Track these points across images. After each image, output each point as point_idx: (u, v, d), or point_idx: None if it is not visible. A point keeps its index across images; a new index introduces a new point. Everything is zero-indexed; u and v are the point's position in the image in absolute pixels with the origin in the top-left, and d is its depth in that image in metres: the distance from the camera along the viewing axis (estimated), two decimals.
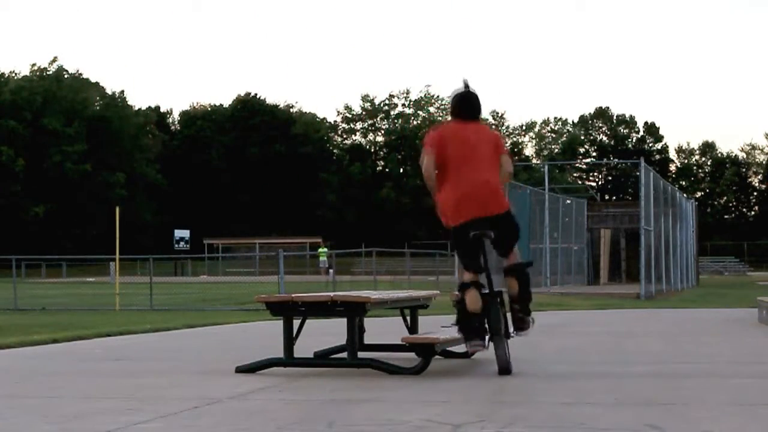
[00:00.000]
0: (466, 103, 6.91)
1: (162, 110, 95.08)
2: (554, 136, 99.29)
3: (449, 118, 7.03)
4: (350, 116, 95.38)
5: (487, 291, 6.64)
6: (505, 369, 6.57)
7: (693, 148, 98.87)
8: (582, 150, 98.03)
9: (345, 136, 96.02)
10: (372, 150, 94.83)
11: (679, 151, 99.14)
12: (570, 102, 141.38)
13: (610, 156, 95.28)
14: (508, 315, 6.89)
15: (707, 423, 4.56)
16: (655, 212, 27.74)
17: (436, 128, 7.01)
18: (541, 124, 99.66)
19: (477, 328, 6.62)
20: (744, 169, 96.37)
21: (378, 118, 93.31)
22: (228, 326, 13.45)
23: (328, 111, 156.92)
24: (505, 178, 6.94)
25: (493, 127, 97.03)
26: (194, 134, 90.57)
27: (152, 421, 4.70)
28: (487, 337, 6.64)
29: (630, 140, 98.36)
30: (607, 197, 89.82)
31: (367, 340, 7.94)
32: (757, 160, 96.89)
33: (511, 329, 6.87)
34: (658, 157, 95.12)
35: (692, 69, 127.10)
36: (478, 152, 6.70)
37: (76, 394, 5.90)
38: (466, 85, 6.92)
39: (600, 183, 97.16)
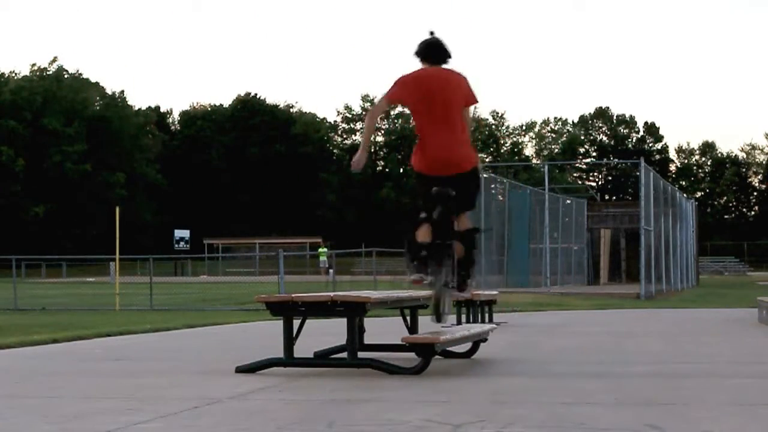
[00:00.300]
0: (437, 46, 6.79)
1: (162, 110, 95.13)
2: (554, 136, 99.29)
3: (419, 61, 6.83)
4: (350, 116, 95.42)
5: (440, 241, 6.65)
6: (438, 294, 6.66)
7: (693, 148, 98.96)
8: (582, 150, 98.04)
9: (345, 136, 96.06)
10: (372, 150, 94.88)
11: (679, 151, 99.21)
12: (570, 102, 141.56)
13: (610, 156, 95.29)
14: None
15: (707, 423, 4.56)
16: (655, 212, 27.74)
17: (411, 73, 6.76)
18: (541, 124, 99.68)
19: (421, 260, 6.61)
20: (744, 169, 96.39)
21: (378, 118, 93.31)
22: (228, 326, 13.46)
23: (328, 111, 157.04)
24: (467, 132, 6.87)
25: (493, 126, 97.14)
26: (194, 134, 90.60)
27: (152, 421, 4.70)
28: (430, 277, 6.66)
29: (630, 140, 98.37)
30: (607, 197, 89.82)
31: (367, 340, 7.94)
32: (757, 160, 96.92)
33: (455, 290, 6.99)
34: (658, 157, 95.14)
35: (692, 69, 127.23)
36: (452, 103, 6.65)
37: (76, 394, 5.90)
38: (432, 33, 6.84)
39: (600, 183, 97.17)
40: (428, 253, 6.60)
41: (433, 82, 6.67)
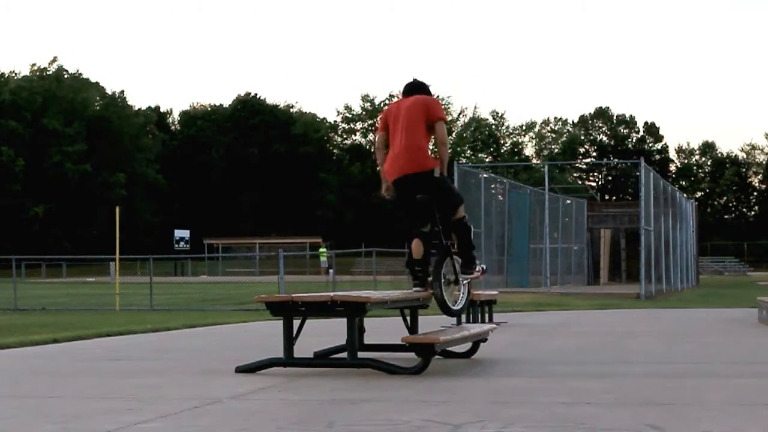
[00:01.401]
0: (408, 84, 7.91)
1: (162, 110, 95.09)
2: (554, 136, 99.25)
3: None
4: (350, 116, 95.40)
5: (436, 242, 7.53)
6: (440, 299, 7.39)
7: (693, 148, 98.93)
8: (582, 150, 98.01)
9: (345, 136, 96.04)
10: (372, 150, 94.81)
11: (679, 151, 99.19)
12: (570, 102, 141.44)
13: (610, 156, 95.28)
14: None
15: (707, 423, 4.56)
16: (655, 212, 27.73)
17: (390, 104, 7.99)
18: (541, 124, 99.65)
19: (418, 273, 7.53)
20: (744, 169, 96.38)
21: (378, 118, 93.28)
22: (228, 326, 13.46)
23: (328, 111, 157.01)
24: (439, 146, 7.61)
25: (493, 126, 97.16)
26: (194, 134, 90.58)
27: (152, 421, 4.70)
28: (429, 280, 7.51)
29: (630, 140, 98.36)
30: (607, 197, 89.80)
31: (367, 340, 7.94)
32: (757, 160, 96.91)
33: (460, 275, 7.78)
34: (658, 157, 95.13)
35: (692, 69, 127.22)
36: (405, 119, 7.54)
37: (76, 394, 5.90)
38: (414, 79, 7.94)
39: (600, 183, 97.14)
40: (423, 267, 7.48)
41: (403, 104, 7.69)
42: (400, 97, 7.94)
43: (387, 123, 7.70)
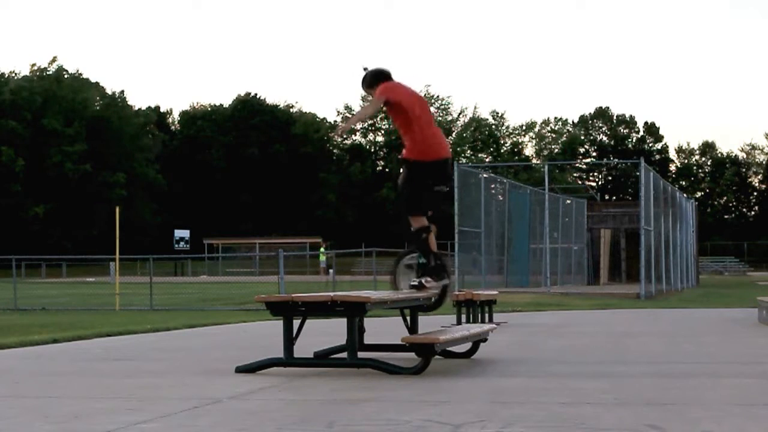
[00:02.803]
0: (386, 71, 7.67)
1: (162, 110, 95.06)
2: (554, 136, 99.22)
3: (372, 85, 7.55)
4: (350, 116, 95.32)
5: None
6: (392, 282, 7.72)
7: (693, 148, 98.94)
8: (582, 150, 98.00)
9: (345, 136, 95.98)
10: (372, 150, 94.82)
11: (679, 151, 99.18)
12: (570, 102, 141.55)
13: (610, 156, 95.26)
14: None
15: (707, 423, 4.56)
16: (655, 212, 27.72)
17: (388, 84, 7.50)
18: (541, 124, 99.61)
19: (440, 266, 7.63)
20: (744, 169, 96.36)
21: (378, 118, 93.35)
22: (228, 326, 13.46)
23: (328, 111, 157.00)
24: None
25: (493, 126, 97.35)
26: (194, 134, 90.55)
27: (152, 421, 4.70)
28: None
29: (630, 140, 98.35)
30: (607, 197, 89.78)
31: (367, 340, 7.94)
32: (757, 160, 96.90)
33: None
34: (658, 157, 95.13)
35: (692, 69, 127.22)
36: (426, 109, 7.68)
37: (76, 394, 5.89)
38: (365, 68, 7.67)
39: (600, 183, 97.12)
40: (440, 258, 7.64)
41: (415, 93, 7.72)
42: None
43: (409, 97, 7.49)
